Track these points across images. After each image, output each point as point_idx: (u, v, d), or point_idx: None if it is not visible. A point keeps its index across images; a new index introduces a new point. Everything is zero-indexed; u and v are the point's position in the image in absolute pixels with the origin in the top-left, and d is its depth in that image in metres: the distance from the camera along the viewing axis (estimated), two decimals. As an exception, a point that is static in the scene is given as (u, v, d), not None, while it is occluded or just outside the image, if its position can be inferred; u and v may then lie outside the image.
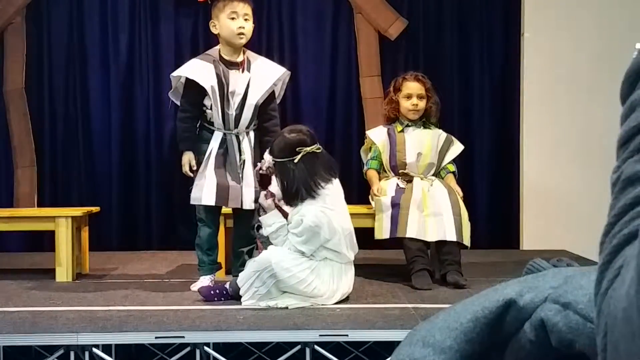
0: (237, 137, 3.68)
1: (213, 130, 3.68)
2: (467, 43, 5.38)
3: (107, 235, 5.33)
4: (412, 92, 4.18)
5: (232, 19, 3.69)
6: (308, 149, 3.31)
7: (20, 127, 5.26)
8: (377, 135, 4.24)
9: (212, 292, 3.39)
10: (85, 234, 4.26)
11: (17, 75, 5.27)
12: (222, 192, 3.62)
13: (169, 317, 3.06)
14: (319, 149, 3.37)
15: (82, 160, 5.35)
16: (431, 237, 3.79)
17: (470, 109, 5.38)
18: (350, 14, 5.32)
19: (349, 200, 5.07)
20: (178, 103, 3.80)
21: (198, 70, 3.67)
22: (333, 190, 3.36)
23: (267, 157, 3.38)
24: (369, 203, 4.17)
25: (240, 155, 3.66)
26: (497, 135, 5.39)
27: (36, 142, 5.31)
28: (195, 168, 3.66)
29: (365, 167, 4.25)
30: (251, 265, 3.29)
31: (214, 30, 3.77)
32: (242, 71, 3.73)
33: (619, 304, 0.54)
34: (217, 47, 3.80)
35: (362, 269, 4.29)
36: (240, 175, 3.64)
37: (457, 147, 4.26)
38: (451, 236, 3.78)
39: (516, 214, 5.34)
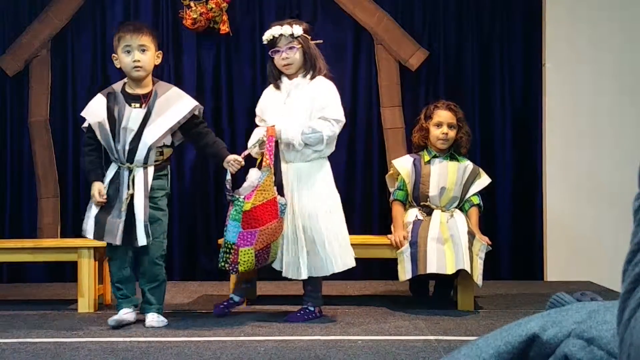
0: (130, 171, 3.58)
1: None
2: (488, 73, 5.37)
3: (128, 265, 5.34)
4: (443, 121, 4.16)
5: (127, 52, 3.66)
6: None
7: (44, 158, 5.32)
8: (402, 164, 4.22)
9: (220, 306, 3.83)
10: (107, 265, 4.27)
11: (42, 106, 5.34)
12: (99, 226, 3.59)
13: (190, 348, 3.05)
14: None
15: (105, 191, 5.38)
16: (450, 269, 3.75)
17: (492, 140, 5.35)
18: (370, 45, 5.34)
19: (369, 230, 5.09)
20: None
21: (92, 106, 3.70)
22: None
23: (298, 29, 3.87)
24: (390, 233, 4.13)
25: (128, 189, 3.55)
26: (519, 165, 5.35)
27: (59, 173, 5.35)
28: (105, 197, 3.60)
29: (391, 197, 4.23)
30: None
31: (117, 65, 3.77)
32: (142, 106, 3.66)
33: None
34: (126, 79, 3.77)
35: (384, 301, 4.27)
36: (123, 211, 3.54)
37: (483, 180, 4.21)
38: (467, 266, 3.74)
39: (540, 245, 5.29)
